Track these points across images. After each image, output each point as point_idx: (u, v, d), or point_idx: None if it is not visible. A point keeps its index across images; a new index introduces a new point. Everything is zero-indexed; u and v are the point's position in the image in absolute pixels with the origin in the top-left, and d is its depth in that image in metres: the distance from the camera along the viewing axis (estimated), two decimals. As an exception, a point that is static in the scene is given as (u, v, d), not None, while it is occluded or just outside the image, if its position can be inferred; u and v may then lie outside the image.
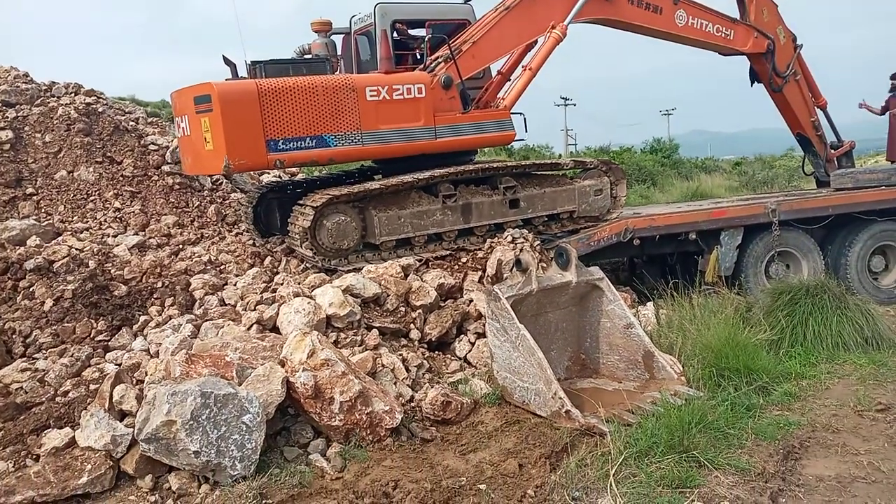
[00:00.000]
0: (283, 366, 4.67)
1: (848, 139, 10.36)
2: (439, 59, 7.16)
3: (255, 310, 5.72)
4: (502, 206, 7.38)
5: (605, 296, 5.97)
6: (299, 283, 6.16)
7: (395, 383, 5.15)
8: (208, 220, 8.53)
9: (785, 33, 9.50)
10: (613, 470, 3.95)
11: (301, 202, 6.69)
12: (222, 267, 7.04)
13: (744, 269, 7.97)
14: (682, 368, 5.40)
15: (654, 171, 23.60)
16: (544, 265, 6.58)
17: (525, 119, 7.97)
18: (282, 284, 6.23)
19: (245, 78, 6.81)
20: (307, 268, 6.85)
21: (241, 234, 8.24)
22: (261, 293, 6.08)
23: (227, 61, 6.96)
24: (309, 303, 5.46)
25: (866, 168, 10.19)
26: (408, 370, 5.40)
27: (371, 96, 6.70)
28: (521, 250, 6.85)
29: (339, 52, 8.01)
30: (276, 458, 4.38)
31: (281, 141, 6.34)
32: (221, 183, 9.30)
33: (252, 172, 9.81)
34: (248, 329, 5.47)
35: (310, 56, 7.70)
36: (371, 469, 4.20)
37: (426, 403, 4.91)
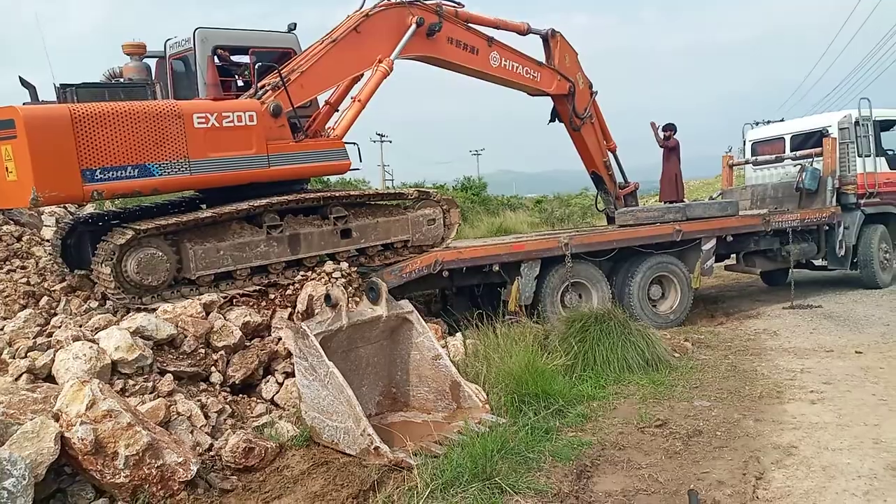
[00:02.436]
0: (57, 420, 4.14)
1: (633, 180, 11.58)
2: (266, 87, 6.99)
3: (25, 357, 5.05)
4: (333, 235, 7.27)
5: (415, 328, 6.05)
6: (81, 326, 5.55)
7: (192, 432, 4.78)
8: (-28, 256, 7.44)
9: (583, 79, 10.51)
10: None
11: (106, 237, 6.13)
12: (-13, 310, 6.16)
13: (542, 299, 8.48)
14: (486, 396, 5.59)
15: (465, 207, 24.64)
16: (357, 299, 6.53)
17: (359, 149, 8.04)
18: (59, 327, 5.56)
19: (47, 102, 6.24)
20: (90, 308, 6.21)
21: (14, 270, 7.28)
22: (34, 338, 5.38)
23: (24, 83, 6.36)
24: (91, 347, 4.92)
25: (645, 207, 11.40)
26: (207, 417, 5.05)
27: (199, 123, 6.38)
28: (331, 285, 6.76)
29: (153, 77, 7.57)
30: (48, 525, 3.87)
31: (98, 171, 5.83)
32: (-9, 214, 8.20)
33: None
34: (17, 379, 4.81)
35: (121, 80, 7.20)
36: (161, 528, 3.84)
37: (226, 451, 4.62)
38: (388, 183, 44.18)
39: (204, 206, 7.39)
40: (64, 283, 6.79)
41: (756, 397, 5.98)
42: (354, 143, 7.87)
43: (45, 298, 6.50)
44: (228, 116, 6.59)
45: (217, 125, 6.51)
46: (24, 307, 6.29)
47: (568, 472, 4.52)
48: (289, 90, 7.01)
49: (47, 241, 7.98)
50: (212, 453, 4.73)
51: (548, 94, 10.19)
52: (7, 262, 7.51)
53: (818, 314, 9.66)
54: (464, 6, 8.91)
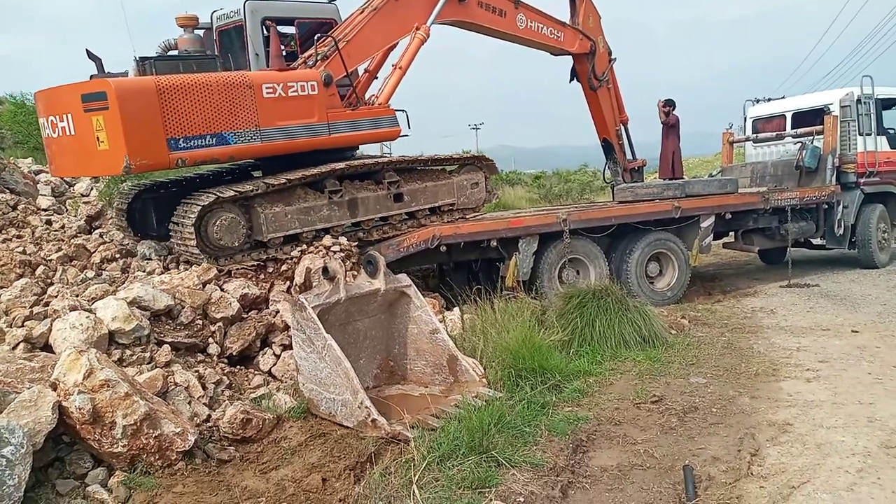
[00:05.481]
0: (55, 389, 4.14)
1: (641, 157, 11.55)
2: (317, 57, 7.21)
3: (22, 326, 5.04)
4: (387, 200, 7.66)
5: (413, 302, 6.04)
6: (77, 296, 5.54)
7: (189, 402, 4.79)
8: (-33, 224, 7.39)
9: (604, 44, 10.70)
10: (417, 476, 3.96)
11: (187, 200, 6.48)
12: (-17, 278, 6.13)
13: (540, 275, 8.47)
14: (483, 370, 5.60)
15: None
16: (355, 273, 6.52)
17: (407, 115, 8.25)
18: (56, 297, 5.55)
19: (113, 74, 6.54)
20: (87, 278, 6.20)
21: (9, 239, 7.24)
22: (30, 307, 5.37)
23: (91, 55, 6.59)
24: (88, 317, 4.90)
25: (644, 183, 11.34)
26: (205, 388, 5.05)
27: (268, 93, 6.73)
28: (329, 258, 6.73)
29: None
30: (47, 493, 3.88)
31: (182, 139, 6.19)
32: (-15, 182, 8.13)
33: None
34: (14, 348, 4.80)
35: (177, 52, 7.45)
36: (159, 497, 3.86)
37: (224, 422, 4.63)
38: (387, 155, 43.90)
39: (260, 173, 7.78)
40: (60, 253, 6.77)
41: (752, 375, 6.01)
42: (403, 111, 8.15)
43: (41, 268, 6.48)
44: (293, 86, 6.92)
45: (283, 95, 6.84)
46: (20, 276, 6.28)
47: (564, 446, 4.55)
48: (336, 60, 7.23)
49: (43, 210, 7.95)
50: (209, 424, 4.74)
51: (570, 53, 10.41)
52: (3, 231, 7.48)
53: (815, 293, 9.67)
54: None
